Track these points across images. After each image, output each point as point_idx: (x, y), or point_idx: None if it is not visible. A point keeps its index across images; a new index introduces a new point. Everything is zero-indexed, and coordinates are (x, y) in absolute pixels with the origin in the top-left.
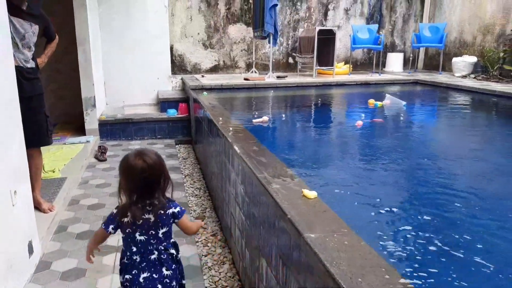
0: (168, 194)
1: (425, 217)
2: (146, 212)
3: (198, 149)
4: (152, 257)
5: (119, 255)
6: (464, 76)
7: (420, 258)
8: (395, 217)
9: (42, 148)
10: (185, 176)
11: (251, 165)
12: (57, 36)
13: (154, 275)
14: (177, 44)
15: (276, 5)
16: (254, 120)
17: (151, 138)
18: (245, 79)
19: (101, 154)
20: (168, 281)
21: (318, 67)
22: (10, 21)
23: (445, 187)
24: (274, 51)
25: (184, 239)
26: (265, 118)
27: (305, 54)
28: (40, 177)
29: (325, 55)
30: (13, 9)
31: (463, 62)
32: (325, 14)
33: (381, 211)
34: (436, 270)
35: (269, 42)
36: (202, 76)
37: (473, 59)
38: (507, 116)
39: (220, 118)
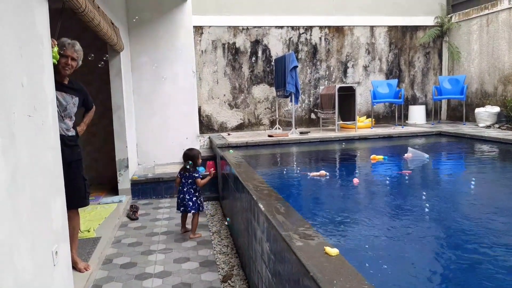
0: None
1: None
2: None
3: (225, 206)
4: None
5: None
6: (488, 126)
7: None
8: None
9: (79, 209)
10: (213, 234)
11: (275, 223)
12: (94, 106)
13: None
14: (205, 105)
15: (297, 66)
16: (311, 174)
17: None
18: (269, 135)
19: (133, 213)
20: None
21: (341, 122)
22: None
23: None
24: (297, 108)
25: None
26: (323, 172)
27: (327, 110)
28: (77, 237)
29: (347, 110)
30: (56, 84)
31: (486, 113)
32: (345, 72)
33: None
34: None
35: (291, 100)
36: (228, 134)
37: (496, 109)
38: None
39: (245, 175)
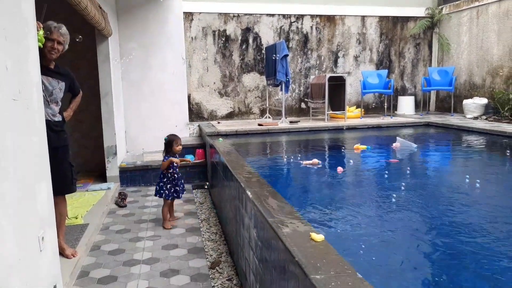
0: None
1: (432, 259)
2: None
3: (214, 194)
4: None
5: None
6: (476, 118)
7: None
8: (397, 257)
9: (66, 196)
10: (202, 221)
11: (262, 209)
12: (81, 91)
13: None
14: (195, 93)
15: (287, 55)
16: (304, 162)
17: None
18: (259, 124)
19: (121, 201)
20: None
21: (330, 112)
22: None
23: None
24: (287, 97)
25: (200, 284)
26: (315, 160)
27: (317, 100)
28: (64, 223)
29: (336, 100)
30: (42, 68)
31: (474, 104)
32: (335, 62)
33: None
34: None
35: (281, 89)
36: (218, 123)
37: (484, 100)
38: None
39: (234, 163)
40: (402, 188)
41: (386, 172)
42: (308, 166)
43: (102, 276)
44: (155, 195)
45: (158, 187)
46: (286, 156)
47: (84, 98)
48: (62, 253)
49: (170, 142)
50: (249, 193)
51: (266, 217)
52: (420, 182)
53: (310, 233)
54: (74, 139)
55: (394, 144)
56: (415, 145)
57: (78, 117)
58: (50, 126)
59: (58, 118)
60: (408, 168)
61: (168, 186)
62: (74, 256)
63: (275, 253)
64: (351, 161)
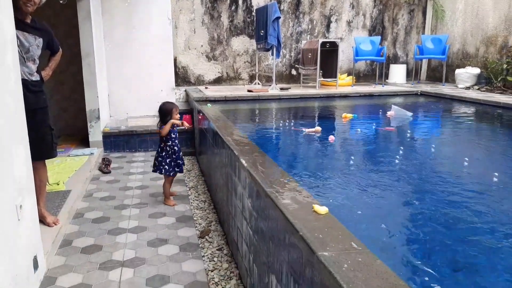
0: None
1: (437, 229)
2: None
3: (202, 161)
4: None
5: (124, 270)
6: (468, 88)
7: (435, 273)
8: (407, 233)
9: (46, 161)
10: (190, 189)
11: (259, 178)
12: (60, 49)
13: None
14: (181, 56)
15: (279, 17)
16: (306, 130)
17: (155, 150)
18: (249, 90)
19: (105, 166)
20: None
21: (322, 79)
22: None
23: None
24: (277, 63)
25: (190, 253)
26: (318, 128)
27: (308, 66)
28: (44, 190)
29: (328, 66)
30: (17, 23)
31: (466, 74)
32: (328, 26)
33: (392, 225)
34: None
35: (272, 54)
36: (206, 88)
37: (477, 70)
38: None
39: (225, 130)
40: (402, 156)
41: (384, 140)
42: (310, 134)
43: (86, 245)
44: (154, 171)
45: (157, 162)
46: (281, 123)
47: (64, 58)
48: (43, 221)
49: (169, 110)
50: (243, 161)
51: (263, 186)
52: (418, 151)
53: (313, 204)
54: (54, 101)
55: (389, 112)
56: (410, 113)
57: (58, 79)
58: (27, 86)
59: (35, 77)
60: (406, 136)
61: (168, 160)
62: (55, 224)
63: (273, 225)
64: (346, 129)
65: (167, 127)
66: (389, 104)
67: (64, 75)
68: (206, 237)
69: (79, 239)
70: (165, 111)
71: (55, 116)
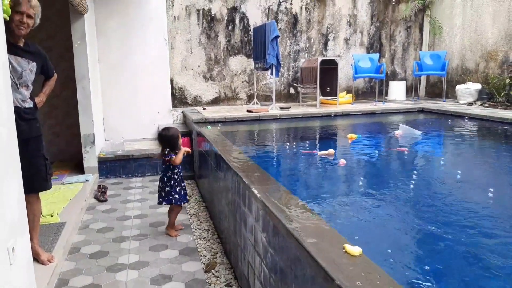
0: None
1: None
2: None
3: (203, 185)
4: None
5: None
6: (470, 103)
7: None
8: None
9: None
10: (191, 216)
11: (277, 213)
12: (55, 73)
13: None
14: (177, 77)
15: (278, 36)
16: (319, 153)
17: (152, 175)
18: (248, 111)
19: (101, 194)
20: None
21: (322, 97)
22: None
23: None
24: (275, 82)
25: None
26: (331, 150)
27: (308, 85)
28: (38, 224)
29: (327, 85)
30: (10, 46)
31: (467, 89)
32: (325, 45)
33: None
34: None
35: (271, 73)
36: (204, 109)
37: (477, 86)
38: None
39: (229, 153)
40: (419, 178)
41: (400, 161)
42: (323, 157)
43: (83, 285)
44: (161, 203)
45: (163, 193)
46: (287, 146)
47: (57, 82)
48: (37, 258)
49: (175, 136)
50: (255, 191)
51: (283, 223)
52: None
53: (344, 245)
54: (47, 126)
55: (397, 132)
56: (419, 132)
57: (52, 103)
58: (20, 113)
59: (29, 104)
60: (420, 156)
61: (177, 189)
62: (50, 262)
63: (297, 267)
64: (357, 151)
65: (180, 156)
66: (391, 121)
67: (57, 99)
68: (213, 271)
69: (76, 277)
70: (171, 138)
71: (48, 142)
